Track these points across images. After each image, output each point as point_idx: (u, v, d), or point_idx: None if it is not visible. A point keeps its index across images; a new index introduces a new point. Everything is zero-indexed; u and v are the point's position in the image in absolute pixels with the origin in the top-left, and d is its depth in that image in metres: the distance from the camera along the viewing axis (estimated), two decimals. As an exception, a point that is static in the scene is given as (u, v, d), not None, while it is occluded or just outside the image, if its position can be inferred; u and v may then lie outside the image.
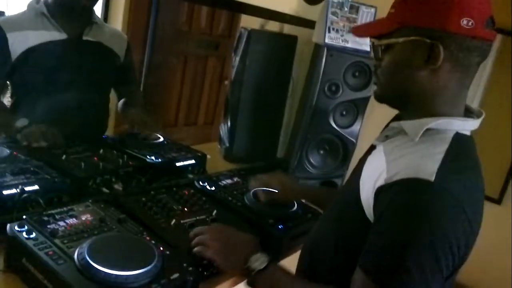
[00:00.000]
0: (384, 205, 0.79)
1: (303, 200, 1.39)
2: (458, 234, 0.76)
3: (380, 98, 0.95)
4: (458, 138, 0.84)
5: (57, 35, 1.48)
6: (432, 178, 0.75)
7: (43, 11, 1.47)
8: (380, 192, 0.81)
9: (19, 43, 1.43)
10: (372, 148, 0.96)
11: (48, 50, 1.46)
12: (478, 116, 0.90)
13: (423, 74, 0.85)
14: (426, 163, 0.78)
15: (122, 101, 1.76)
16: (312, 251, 1.03)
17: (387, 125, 0.98)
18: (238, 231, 1.08)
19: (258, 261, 0.94)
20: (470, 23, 0.79)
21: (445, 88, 0.85)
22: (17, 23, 1.45)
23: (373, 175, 0.84)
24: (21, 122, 1.38)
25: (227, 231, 1.06)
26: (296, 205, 1.36)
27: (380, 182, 0.81)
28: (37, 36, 1.45)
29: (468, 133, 0.88)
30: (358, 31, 1.04)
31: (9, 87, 1.53)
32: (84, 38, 1.54)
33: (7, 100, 1.55)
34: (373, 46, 0.93)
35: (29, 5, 1.50)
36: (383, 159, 0.85)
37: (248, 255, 0.96)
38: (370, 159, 0.93)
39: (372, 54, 0.95)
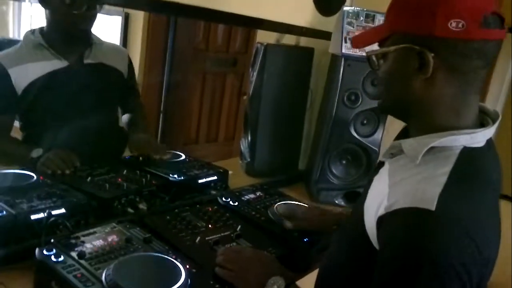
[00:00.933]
0: (385, 237, 0.75)
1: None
2: (466, 262, 0.69)
3: (382, 109, 0.92)
4: (466, 154, 0.77)
5: (58, 64, 1.48)
6: (433, 207, 0.69)
7: (40, 42, 1.47)
8: (382, 222, 0.76)
9: (22, 77, 1.43)
10: (381, 165, 0.91)
11: (52, 80, 1.46)
12: (494, 120, 0.82)
13: (417, 84, 0.79)
14: (427, 189, 0.72)
15: (126, 117, 1.75)
16: (326, 276, 0.98)
17: (396, 137, 0.92)
18: (256, 252, 1.07)
19: (275, 285, 0.93)
20: (460, 25, 0.72)
21: (444, 97, 0.78)
22: (17, 57, 1.45)
23: (375, 202, 0.80)
24: (36, 153, 1.39)
25: (245, 253, 1.06)
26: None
27: (381, 211, 0.76)
28: (38, 68, 1.45)
29: (480, 144, 0.80)
30: (356, 42, 0.96)
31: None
32: (85, 61, 1.54)
33: (18, 134, 1.57)
34: (366, 56, 0.88)
35: (25, 37, 1.50)
36: (386, 183, 0.81)
37: (265, 278, 0.95)
38: (376, 179, 0.89)
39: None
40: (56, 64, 1.48)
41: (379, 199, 0.78)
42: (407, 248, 0.70)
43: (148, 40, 2.44)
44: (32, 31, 1.49)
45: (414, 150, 0.79)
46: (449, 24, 0.72)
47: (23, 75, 1.43)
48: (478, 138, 0.79)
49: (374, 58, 0.87)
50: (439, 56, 0.75)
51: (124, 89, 1.70)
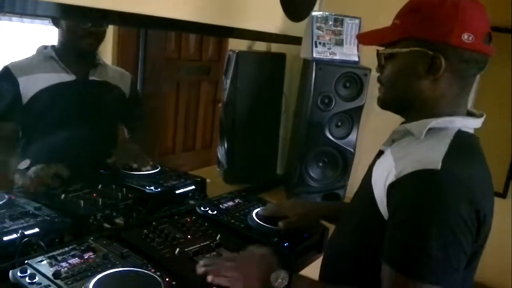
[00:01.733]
0: (397, 199, 0.84)
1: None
2: (471, 213, 0.79)
3: (383, 105, 1.01)
4: (461, 134, 0.90)
5: (65, 77, 1.55)
6: (439, 167, 0.80)
7: (51, 55, 1.54)
8: (392, 189, 0.85)
9: (29, 86, 1.48)
10: (380, 153, 1.01)
11: (58, 91, 1.53)
12: (480, 117, 0.95)
13: (425, 83, 0.91)
14: (431, 155, 0.83)
15: (131, 135, 1.81)
16: (334, 258, 1.04)
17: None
18: (251, 252, 1.07)
19: (279, 278, 0.94)
20: (470, 38, 0.86)
21: (446, 96, 0.91)
22: (27, 67, 1.52)
23: (383, 175, 0.88)
24: (24, 164, 1.40)
25: (240, 257, 1.05)
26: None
27: (391, 179, 0.85)
28: (47, 79, 1.52)
29: (471, 131, 0.93)
30: (364, 40, 1.09)
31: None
32: (91, 78, 1.61)
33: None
34: (377, 53, 0.99)
35: (38, 50, 1.58)
36: (391, 159, 0.90)
37: (267, 274, 0.95)
38: (378, 162, 0.97)
39: (375, 63, 1.01)
40: (63, 77, 1.55)
41: (386, 171, 0.88)
42: (421, 206, 0.80)
43: (119, 52, 2.41)
44: (45, 47, 1.57)
45: (419, 127, 0.92)
46: (462, 36, 0.86)
47: (31, 84, 1.49)
48: (470, 124, 0.93)
49: (382, 57, 0.97)
50: (448, 60, 0.88)
51: (127, 109, 1.76)
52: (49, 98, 1.51)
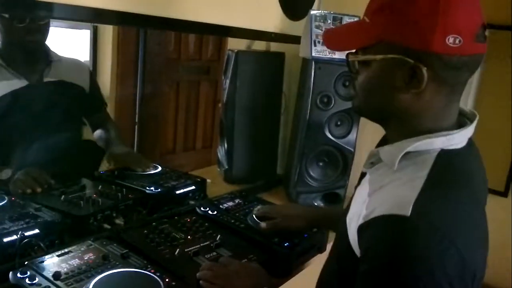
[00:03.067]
0: (364, 246, 0.73)
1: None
2: (448, 269, 0.65)
3: (358, 112, 0.90)
4: (443, 156, 0.75)
5: (17, 83, 1.45)
6: (408, 213, 0.67)
7: None
8: (360, 232, 0.75)
9: None
10: (362, 175, 0.90)
11: (12, 101, 1.44)
12: (472, 120, 0.81)
13: (405, 97, 0.76)
14: (403, 195, 0.70)
15: (98, 133, 1.74)
16: (323, 283, 0.97)
17: (377, 145, 0.89)
18: (242, 265, 1.07)
19: None
20: (457, 41, 0.70)
21: (430, 108, 0.77)
22: None
23: (357, 212, 0.78)
24: (5, 174, 1.36)
25: (231, 266, 1.05)
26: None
27: (360, 220, 0.75)
28: None
29: (459, 145, 0.78)
30: (331, 44, 0.91)
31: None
32: (45, 79, 1.52)
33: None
34: (347, 59, 0.83)
35: None
36: (367, 192, 0.79)
37: None
38: (357, 191, 0.88)
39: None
40: (15, 84, 1.45)
41: (359, 209, 0.77)
42: (384, 259, 0.68)
43: (119, 52, 2.41)
44: None
45: (391, 156, 0.78)
46: (446, 40, 0.70)
47: None
48: (456, 139, 0.77)
49: (355, 63, 0.82)
50: (432, 70, 0.72)
51: (88, 104, 1.69)
52: (5, 109, 1.42)
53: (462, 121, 0.82)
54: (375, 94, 0.80)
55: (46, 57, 1.54)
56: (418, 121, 0.78)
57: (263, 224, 1.27)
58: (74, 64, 1.70)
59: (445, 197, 0.71)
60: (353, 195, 0.91)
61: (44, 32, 1.48)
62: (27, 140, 1.46)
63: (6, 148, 1.47)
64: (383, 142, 0.87)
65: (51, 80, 1.53)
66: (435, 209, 0.68)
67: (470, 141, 0.81)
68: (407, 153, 0.76)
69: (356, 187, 0.91)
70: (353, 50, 0.82)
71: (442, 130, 0.77)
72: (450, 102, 0.78)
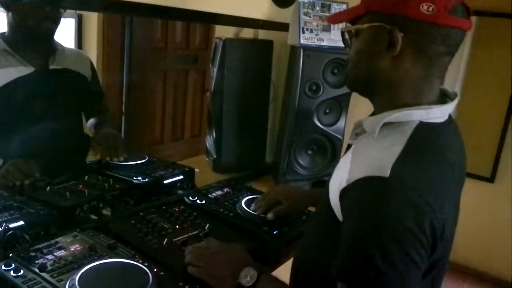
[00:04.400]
0: (346, 208, 0.78)
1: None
2: (423, 224, 0.72)
3: (349, 86, 0.96)
4: (422, 127, 0.81)
5: (24, 70, 1.44)
6: (387, 174, 0.72)
7: (4, 48, 1.43)
8: (343, 195, 0.79)
9: None
10: (348, 147, 0.95)
11: (18, 87, 1.43)
12: (453, 100, 0.87)
13: (385, 63, 0.82)
14: (383, 159, 0.76)
15: (92, 120, 1.73)
16: (299, 258, 1.00)
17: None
18: (225, 246, 1.06)
19: (248, 277, 0.92)
20: (430, 9, 0.77)
21: (408, 77, 0.83)
22: None
23: (338, 178, 0.82)
24: None
25: (212, 248, 1.04)
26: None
27: (343, 184, 0.79)
28: (4, 75, 1.41)
29: (439, 120, 0.84)
30: (331, 18, 1.07)
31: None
32: (51, 67, 1.51)
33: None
34: (341, 33, 0.92)
35: None
36: (349, 159, 0.83)
37: (237, 271, 0.94)
38: (341, 160, 0.91)
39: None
40: (22, 70, 1.44)
41: (341, 175, 0.81)
42: (366, 216, 0.73)
43: (104, 41, 2.37)
44: None
45: (372, 125, 0.83)
46: (420, 7, 0.77)
47: None
48: (435, 113, 0.83)
49: (347, 36, 0.89)
50: (408, 36, 0.79)
51: (88, 94, 1.68)
52: (9, 95, 1.41)
53: (444, 100, 0.87)
54: (361, 62, 0.87)
55: (51, 45, 1.53)
56: (399, 93, 0.84)
57: (269, 216, 1.26)
58: (77, 53, 1.70)
59: (421, 161, 0.77)
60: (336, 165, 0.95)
61: (57, 21, 1.48)
62: (28, 127, 1.45)
63: (6, 135, 1.45)
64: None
65: (56, 68, 1.52)
66: (411, 171, 0.74)
67: (450, 118, 0.87)
68: (389, 123, 0.82)
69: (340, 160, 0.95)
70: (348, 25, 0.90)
71: (422, 105, 0.83)
72: (429, 75, 0.83)
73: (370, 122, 0.85)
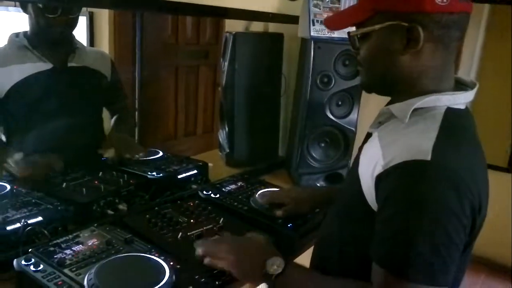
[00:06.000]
0: (386, 193, 0.78)
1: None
2: (464, 206, 0.74)
3: (367, 88, 0.96)
4: (450, 113, 0.83)
5: (42, 66, 1.48)
6: (429, 157, 0.74)
7: (24, 44, 1.46)
8: (380, 180, 0.79)
9: (5, 79, 1.43)
10: (368, 136, 0.95)
11: (36, 82, 1.46)
12: (472, 88, 0.88)
13: (405, 59, 0.84)
14: (421, 143, 0.77)
15: (115, 118, 1.76)
16: (321, 247, 1.02)
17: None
18: (248, 238, 1.07)
19: (275, 265, 0.92)
20: (445, 0, 0.78)
21: (430, 68, 0.84)
22: (0, 59, 1.45)
23: (371, 164, 0.83)
24: (17, 156, 1.37)
25: (238, 240, 1.05)
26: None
27: (378, 169, 0.79)
28: (23, 70, 1.44)
29: (462, 106, 0.86)
30: (331, 24, 1.00)
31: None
32: (69, 64, 1.54)
33: (2, 137, 1.55)
34: (348, 36, 0.91)
35: (10, 39, 1.50)
36: (378, 145, 0.84)
37: (263, 260, 0.93)
38: (366, 147, 0.92)
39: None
40: (40, 66, 1.47)
41: (373, 161, 0.82)
42: (411, 199, 0.74)
43: (116, 38, 2.38)
44: (17, 34, 1.49)
45: (402, 111, 0.85)
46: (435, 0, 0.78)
47: (7, 77, 1.43)
48: (460, 99, 0.85)
49: (355, 38, 0.89)
50: (427, 30, 0.80)
51: (109, 92, 1.71)
52: (27, 90, 1.44)
53: (461, 88, 0.89)
54: (378, 63, 0.88)
55: (71, 44, 1.56)
56: (421, 82, 0.85)
57: (278, 213, 1.27)
58: (97, 53, 1.73)
59: (458, 144, 0.79)
60: (358, 152, 0.95)
61: (73, 24, 1.51)
62: (45, 123, 1.48)
63: (23, 131, 1.49)
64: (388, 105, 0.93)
65: (75, 66, 1.55)
66: (451, 154, 0.76)
67: (468, 109, 0.89)
68: (416, 109, 0.84)
69: (360, 147, 0.95)
70: (353, 28, 0.90)
71: (444, 91, 0.85)
72: (447, 62, 0.86)
73: (399, 108, 0.86)
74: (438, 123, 0.80)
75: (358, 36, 0.89)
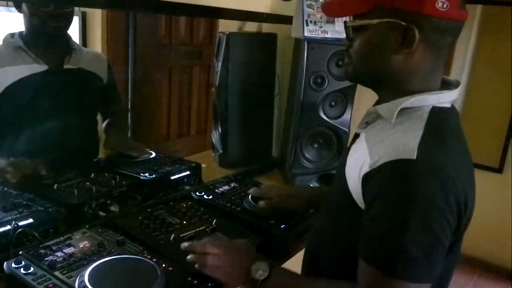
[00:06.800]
0: (373, 192, 0.79)
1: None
2: (451, 203, 0.75)
3: (352, 78, 0.96)
4: (435, 111, 0.84)
5: (37, 68, 1.46)
6: (414, 156, 0.75)
7: (19, 45, 1.45)
8: (367, 180, 0.80)
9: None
10: (356, 136, 0.96)
11: (30, 84, 1.44)
12: (456, 87, 0.90)
13: (397, 57, 0.84)
14: (406, 142, 0.78)
15: (106, 122, 1.74)
16: (313, 245, 1.02)
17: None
18: (233, 242, 1.06)
19: (260, 270, 0.92)
20: (445, 5, 0.79)
21: (419, 69, 0.85)
22: None
23: (357, 164, 0.84)
24: (4, 161, 1.33)
25: (223, 244, 1.04)
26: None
27: (365, 169, 0.80)
28: (17, 72, 1.43)
29: (447, 105, 0.87)
30: (330, 10, 1.01)
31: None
32: (65, 66, 1.52)
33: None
34: (345, 25, 0.92)
35: (4, 40, 1.49)
36: (365, 146, 0.85)
37: (249, 265, 0.94)
38: (353, 147, 0.93)
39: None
40: (35, 68, 1.46)
41: (360, 160, 0.83)
42: (397, 198, 0.75)
43: (108, 38, 2.37)
44: (12, 35, 1.48)
45: (389, 111, 0.86)
46: (436, 4, 0.79)
47: (1, 79, 1.41)
48: (445, 98, 0.86)
49: (350, 28, 0.90)
50: (423, 32, 0.81)
51: (104, 95, 1.69)
52: (21, 92, 1.42)
53: (446, 88, 0.90)
54: (371, 57, 0.88)
55: (67, 45, 1.55)
56: (409, 82, 0.86)
57: (261, 203, 1.27)
58: (94, 55, 1.71)
59: (443, 143, 0.81)
60: (345, 153, 0.95)
61: (68, 19, 1.49)
62: (39, 125, 1.46)
63: (15, 132, 1.46)
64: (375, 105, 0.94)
65: (70, 67, 1.53)
66: (436, 152, 0.78)
67: (452, 105, 0.90)
68: (402, 109, 0.84)
69: (349, 147, 0.96)
70: (351, 18, 0.90)
71: (431, 91, 0.86)
72: (437, 65, 0.87)
73: (385, 108, 0.87)
74: (423, 122, 0.82)
75: (351, 27, 0.89)
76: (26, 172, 1.31)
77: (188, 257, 0.99)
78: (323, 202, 1.07)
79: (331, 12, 1.03)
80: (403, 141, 0.79)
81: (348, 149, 0.95)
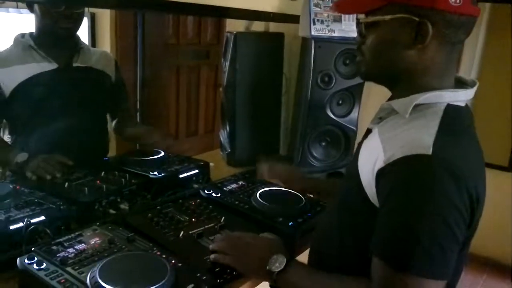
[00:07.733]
0: (387, 187, 0.78)
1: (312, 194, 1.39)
2: (464, 198, 0.75)
3: (366, 76, 0.95)
4: (450, 109, 0.84)
5: (47, 66, 1.49)
6: (430, 152, 0.75)
7: (30, 44, 1.48)
8: (381, 175, 0.80)
9: (10, 79, 1.44)
10: (368, 132, 0.95)
11: (40, 82, 1.47)
12: (472, 87, 0.89)
13: (411, 53, 0.84)
14: (422, 138, 0.78)
15: (116, 121, 1.77)
16: (319, 242, 1.03)
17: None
18: (257, 236, 1.08)
19: (277, 262, 0.93)
20: (458, 1, 0.79)
21: (433, 65, 0.85)
22: (5, 59, 1.47)
23: (371, 159, 0.83)
24: (21, 157, 1.39)
25: (245, 237, 1.06)
26: (304, 200, 1.35)
27: (379, 164, 0.80)
28: (27, 70, 1.46)
29: (462, 104, 0.87)
30: (341, 8, 1.00)
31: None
32: (74, 65, 1.55)
33: (7, 137, 1.56)
34: (357, 22, 0.91)
35: (15, 40, 1.52)
36: (378, 141, 0.84)
37: (267, 257, 0.95)
38: (365, 143, 0.92)
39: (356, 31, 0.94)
40: (45, 66, 1.49)
41: (373, 156, 0.82)
42: (412, 194, 0.75)
43: (117, 39, 2.40)
44: (22, 35, 1.51)
45: (404, 106, 0.85)
46: None
47: (12, 77, 1.44)
48: (460, 97, 0.86)
49: (363, 25, 0.89)
50: (436, 27, 0.81)
51: (113, 93, 1.71)
52: (31, 89, 1.45)
53: (462, 86, 0.89)
54: (384, 53, 0.88)
55: (76, 44, 1.58)
56: (422, 78, 0.86)
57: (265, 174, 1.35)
58: (101, 53, 1.73)
59: (457, 140, 0.81)
60: (357, 148, 0.95)
61: (78, 20, 1.51)
62: (50, 122, 1.49)
63: (29, 130, 1.49)
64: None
65: (79, 65, 1.56)
66: (451, 149, 0.78)
67: (466, 105, 0.89)
68: (417, 105, 0.84)
69: (360, 142, 0.96)
70: (363, 15, 0.90)
71: (445, 88, 0.85)
72: (450, 61, 0.86)
73: (400, 103, 0.86)
74: (438, 119, 0.81)
75: (364, 24, 0.89)
76: (57, 167, 1.35)
77: (211, 246, 1.02)
78: (329, 198, 1.07)
79: (343, 9, 1.02)
80: (418, 137, 0.79)
81: (360, 144, 0.95)
